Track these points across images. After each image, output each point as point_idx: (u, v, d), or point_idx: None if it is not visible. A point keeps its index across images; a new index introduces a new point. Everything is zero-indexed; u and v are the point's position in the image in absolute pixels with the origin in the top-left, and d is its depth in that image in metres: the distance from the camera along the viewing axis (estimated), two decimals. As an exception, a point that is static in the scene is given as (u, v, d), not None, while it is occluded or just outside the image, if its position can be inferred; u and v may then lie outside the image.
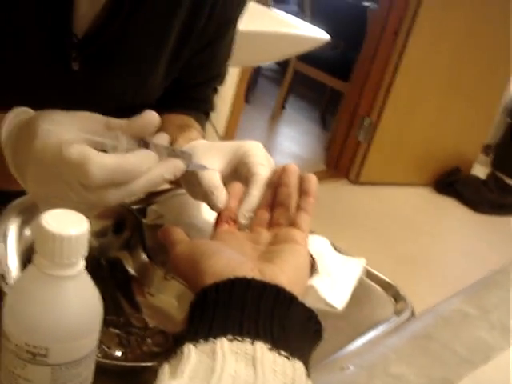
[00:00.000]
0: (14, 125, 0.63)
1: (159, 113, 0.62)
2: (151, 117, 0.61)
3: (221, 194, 0.72)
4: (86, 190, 0.57)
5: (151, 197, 1.01)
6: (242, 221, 0.70)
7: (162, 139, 0.66)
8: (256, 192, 0.72)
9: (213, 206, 0.73)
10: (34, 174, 0.60)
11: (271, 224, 0.69)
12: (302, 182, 0.69)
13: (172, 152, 0.65)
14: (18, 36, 0.79)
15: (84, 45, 0.81)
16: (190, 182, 0.78)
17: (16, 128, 0.62)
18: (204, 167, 0.72)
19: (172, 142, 0.85)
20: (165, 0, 0.86)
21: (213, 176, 0.74)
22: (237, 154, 0.77)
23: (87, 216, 0.57)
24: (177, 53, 0.93)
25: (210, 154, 0.76)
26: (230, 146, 0.78)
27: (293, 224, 0.67)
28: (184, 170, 0.63)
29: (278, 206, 0.70)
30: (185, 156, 0.66)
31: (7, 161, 0.63)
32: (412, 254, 3.16)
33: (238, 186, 0.74)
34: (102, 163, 0.56)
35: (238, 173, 0.76)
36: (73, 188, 0.57)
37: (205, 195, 0.73)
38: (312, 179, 0.69)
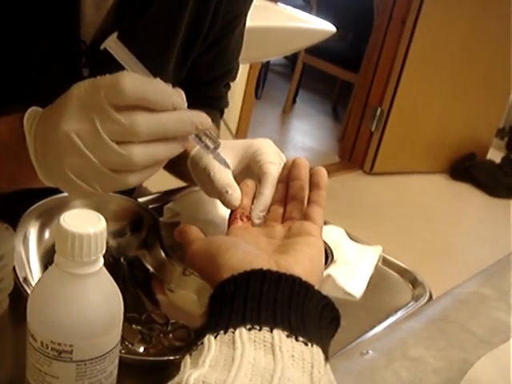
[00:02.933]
0: (37, 113, 0.63)
1: None
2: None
3: (235, 192, 0.74)
4: (117, 111, 0.55)
5: (167, 195, 1.03)
6: (256, 221, 0.71)
7: None
8: (268, 191, 0.73)
9: (227, 204, 0.74)
10: (67, 118, 0.58)
11: (284, 218, 0.70)
12: (312, 175, 0.70)
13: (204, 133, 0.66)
14: (27, 44, 0.80)
15: (92, 51, 0.83)
16: (203, 180, 0.79)
17: (40, 112, 0.63)
18: (226, 164, 0.72)
19: None
20: (171, 1, 0.87)
21: (225, 174, 0.75)
22: (248, 153, 0.78)
23: (112, 184, 0.59)
24: (185, 52, 0.94)
25: (222, 153, 0.77)
26: (240, 144, 0.80)
27: (306, 217, 0.67)
28: (209, 126, 0.61)
29: (291, 199, 0.71)
30: (214, 140, 0.66)
31: (29, 147, 0.62)
32: (429, 242, 3.15)
33: (250, 184, 0.75)
34: (133, 77, 0.56)
35: (250, 171, 0.78)
36: (102, 113, 0.56)
37: (219, 193, 0.74)
38: (322, 172, 0.69)
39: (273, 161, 0.76)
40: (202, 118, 0.60)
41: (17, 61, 0.81)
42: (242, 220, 0.70)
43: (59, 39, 0.81)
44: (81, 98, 0.57)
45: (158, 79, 0.59)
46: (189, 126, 0.59)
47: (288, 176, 0.72)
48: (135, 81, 0.56)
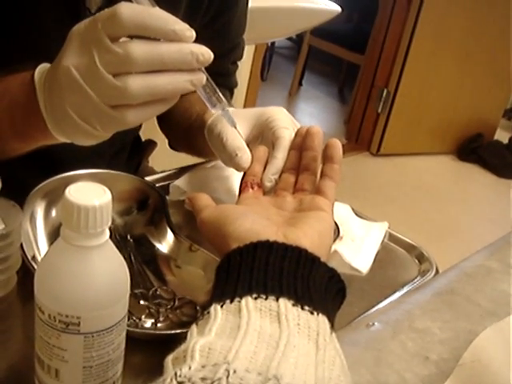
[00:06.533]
0: (47, 67, 0.64)
1: None
2: None
3: (244, 154, 0.74)
4: (114, 42, 0.56)
5: (173, 174, 1.03)
6: (268, 184, 0.71)
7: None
8: (281, 155, 0.73)
9: (237, 167, 0.74)
10: (67, 54, 0.59)
11: (296, 189, 0.70)
12: (326, 147, 0.69)
13: (213, 89, 0.67)
14: (33, 10, 0.81)
15: None
16: (218, 148, 0.79)
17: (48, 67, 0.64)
18: (234, 122, 0.74)
19: (201, 115, 0.87)
20: None
21: (236, 138, 0.76)
22: (261, 119, 0.79)
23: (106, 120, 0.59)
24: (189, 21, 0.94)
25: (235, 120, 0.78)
26: (253, 111, 0.80)
27: (318, 191, 0.67)
28: (210, 59, 0.59)
29: (303, 170, 0.71)
30: (221, 99, 0.68)
31: (39, 98, 0.64)
32: (436, 222, 3.15)
33: (262, 150, 0.75)
34: (130, 6, 0.56)
35: (264, 137, 0.78)
36: (99, 44, 0.56)
37: (229, 157, 0.75)
38: (336, 145, 0.69)
39: (286, 126, 0.76)
40: (203, 50, 0.59)
41: (21, 25, 0.82)
42: (252, 188, 0.71)
43: (65, 4, 0.82)
44: (80, 33, 0.58)
45: (158, 8, 0.58)
46: (188, 56, 0.58)
47: (301, 144, 0.72)
48: (132, 9, 0.56)
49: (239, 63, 1.14)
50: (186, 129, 0.95)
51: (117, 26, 0.56)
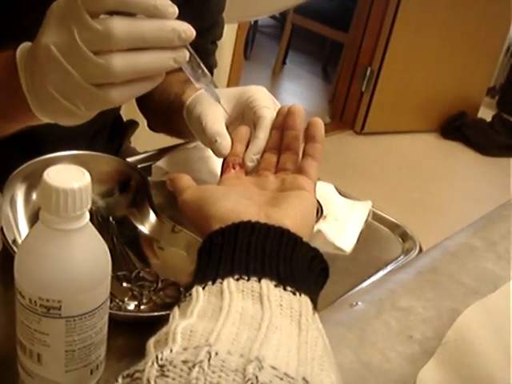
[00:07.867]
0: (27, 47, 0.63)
1: None
2: None
3: (224, 140, 0.73)
4: (94, 18, 0.55)
5: (155, 155, 1.02)
6: (249, 164, 0.71)
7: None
8: (262, 135, 0.72)
9: (217, 153, 0.74)
10: (46, 31, 0.58)
11: (278, 168, 0.70)
12: (308, 126, 0.69)
13: (197, 63, 0.67)
14: None
15: None
16: (198, 130, 0.78)
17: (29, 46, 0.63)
18: (218, 98, 0.74)
19: (179, 96, 0.86)
20: None
21: (215, 122, 0.75)
22: (241, 99, 0.78)
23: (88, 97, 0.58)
24: None
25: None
26: (234, 91, 0.80)
27: (300, 171, 0.67)
28: (192, 36, 0.59)
29: (285, 149, 0.70)
30: (206, 76, 0.68)
31: (21, 78, 0.62)
32: (421, 200, 3.16)
33: (244, 130, 0.74)
34: None
35: (245, 117, 0.77)
36: (79, 21, 0.55)
37: (209, 143, 0.74)
38: (318, 124, 0.68)
39: (267, 105, 0.75)
40: (185, 27, 0.58)
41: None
42: (234, 168, 0.70)
43: None
44: (60, 9, 0.57)
45: None
46: (170, 34, 0.57)
47: (283, 123, 0.72)
48: None
49: (219, 43, 1.13)
50: (165, 110, 0.95)
51: (97, 1, 0.55)
